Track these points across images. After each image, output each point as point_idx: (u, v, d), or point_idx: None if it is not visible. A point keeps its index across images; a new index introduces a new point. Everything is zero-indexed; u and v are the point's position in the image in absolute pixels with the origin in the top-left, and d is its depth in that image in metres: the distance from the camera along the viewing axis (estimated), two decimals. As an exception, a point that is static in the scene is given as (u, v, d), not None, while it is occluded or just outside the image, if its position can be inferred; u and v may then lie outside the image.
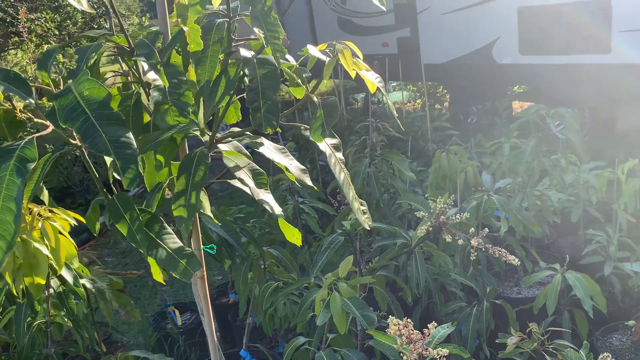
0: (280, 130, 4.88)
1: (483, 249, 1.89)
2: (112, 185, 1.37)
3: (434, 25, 6.42)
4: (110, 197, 1.24)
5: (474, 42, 6.04)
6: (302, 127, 1.23)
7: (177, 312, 3.30)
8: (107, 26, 1.40)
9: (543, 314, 2.45)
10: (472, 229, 2.04)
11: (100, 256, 5.28)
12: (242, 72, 1.08)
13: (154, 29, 1.39)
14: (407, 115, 5.16)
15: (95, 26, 9.17)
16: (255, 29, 1.02)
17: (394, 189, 3.20)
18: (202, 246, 1.53)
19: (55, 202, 1.90)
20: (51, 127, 1.07)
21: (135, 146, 1.10)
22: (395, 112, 1.22)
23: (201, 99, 1.14)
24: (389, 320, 1.54)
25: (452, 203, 2.16)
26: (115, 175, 1.11)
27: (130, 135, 1.10)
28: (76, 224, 1.79)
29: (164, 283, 1.45)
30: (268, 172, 3.80)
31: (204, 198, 1.28)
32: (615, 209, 3.28)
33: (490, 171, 3.56)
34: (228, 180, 1.38)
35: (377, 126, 3.10)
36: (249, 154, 1.29)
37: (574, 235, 3.76)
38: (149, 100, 1.24)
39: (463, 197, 2.96)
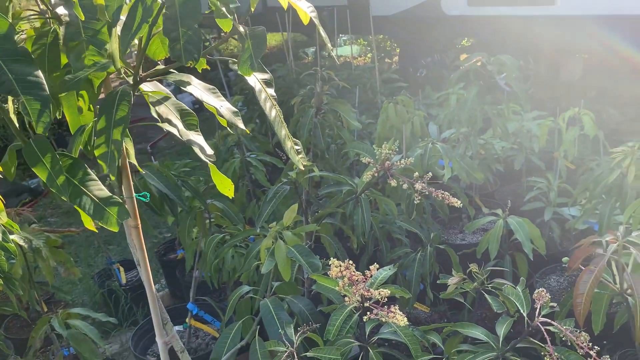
0: (222, 78, 4.74)
1: (427, 192, 1.90)
2: (30, 130, 1.28)
3: (383, -24, 6.31)
4: (26, 140, 1.16)
5: (423, -7, 5.98)
6: (230, 61, 1.17)
7: (121, 269, 3.23)
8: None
9: (486, 259, 2.51)
10: (417, 173, 2.04)
11: (43, 216, 5.09)
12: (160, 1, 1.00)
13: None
14: (356, 68, 5.10)
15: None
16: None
17: (342, 140, 3.17)
18: (134, 194, 1.47)
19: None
20: (-52, 62, 0.97)
21: (46, 87, 1.01)
22: (329, 44, 1.17)
23: (113, 31, 1.06)
24: (330, 262, 1.54)
25: (398, 150, 2.15)
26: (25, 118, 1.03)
27: (40, 74, 1.02)
28: (1, 176, 1.68)
29: (96, 230, 1.39)
30: (214, 127, 3.67)
31: (129, 145, 1.21)
32: (556, 157, 3.37)
33: (437, 122, 3.58)
34: (156, 124, 1.31)
35: (323, 75, 3.03)
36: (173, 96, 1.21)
37: (517, 183, 3.86)
38: (63, 37, 1.15)
39: (409, 147, 2.97)
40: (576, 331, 1.35)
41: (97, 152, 1.08)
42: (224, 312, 2.79)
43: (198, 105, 6.38)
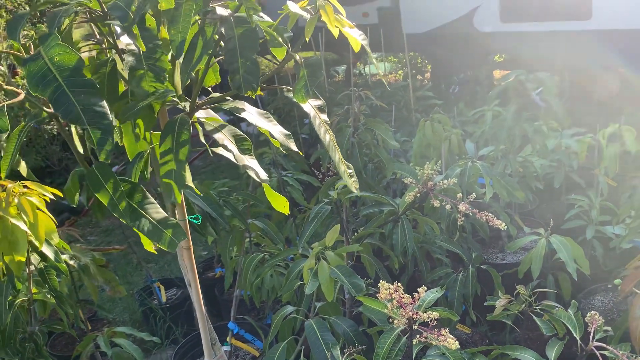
0: (257, 98, 4.82)
1: (470, 214, 1.89)
2: (92, 156, 1.33)
3: (415, -6, 6.35)
4: (89, 167, 1.20)
5: (455, 11, 5.98)
6: (285, 89, 1.19)
7: (162, 288, 3.28)
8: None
9: (528, 279, 2.47)
10: (460, 194, 2.04)
11: (83, 235, 5.21)
12: (219, 33, 1.04)
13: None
14: (389, 86, 5.12)
15: None
16: (226, -13, 0.97)
17: (378, 159, 3.18)
18: (187, 217, 1.50)
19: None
20: (23, 94, 1.03)
21: (110, 116, 1.06)
22: (377, 66, 1.19)
23: (177, 63, 1.10)
24: (379, 285, 1.54)
25: (439, 170, 2.15)
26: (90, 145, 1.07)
27: (105, 104, 1.06)
28: (54, 198, 1.74)
29: (155, 252, 1.42)
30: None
31: (186, 169, 1.24)
32: (597, 174, 3.31)
33: (474, 140, 3.55)
34: (211, 149, 1.35)
35: (360, 95, 3.06)
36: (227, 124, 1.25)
37: (557, 201, 3.79)
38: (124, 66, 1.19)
39: (447, 166, 2.96)
40: (633, 356, 1.32)
41: (162, 171, 1.11)
42: (264, 330, 2.80)
43: (234, 122, 6.48)
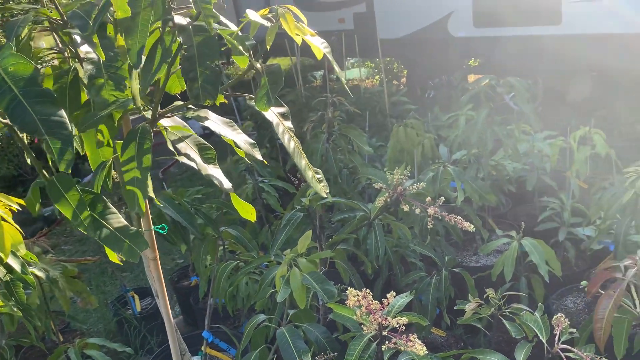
0: (234, 104, 4.79)
1: (440, 217, 1.90)
2: (52, 166, 1.31)
3: (389, 0, 6.40)
4: (50, 177, 1.19)
5: (429, 16, 6.05)
6: (247, 97, 1.19)
7: (136, 297, 3.24)
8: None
9: (501, 281, 2.50)
10: (429, 198, 2.05)
11: (57, 244, 5.13)
12: (179, 41, 1.03)
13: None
14: (365, 91, 5.14)
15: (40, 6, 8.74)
16: (185, -6, 0.97)
17: (353, 164, 3.19)
18: (152, 227, 1.48)
19: (6, 190, 1.81)
20: (-24, 105, 1.00)
21: (69, 126, 1.04)
22: (343, 79, 1.19)
23: (134, 72, 1.09)
24: (347, 292, 1.54)
25: (410, 174, 2.16)
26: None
27: (63, 113, 1.04)
28: (20, 209, 1.71)
29: (121, 263, 1.40)
30: (226, 152, 3.74)
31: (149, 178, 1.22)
32: (568, 176, 3.36)
33: (448, 144, 3.59)
34: (175, 157, 1.33)
35: (334, 101, 3.07)
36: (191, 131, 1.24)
37: (529, 203, 3.84)
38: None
39: (421, 170, 2.98)
40: (597, 357, 1.34)
41: (125, 178, 1.10)
42: (239, 339, 2.78)
43: (208, 131, 6.45)
